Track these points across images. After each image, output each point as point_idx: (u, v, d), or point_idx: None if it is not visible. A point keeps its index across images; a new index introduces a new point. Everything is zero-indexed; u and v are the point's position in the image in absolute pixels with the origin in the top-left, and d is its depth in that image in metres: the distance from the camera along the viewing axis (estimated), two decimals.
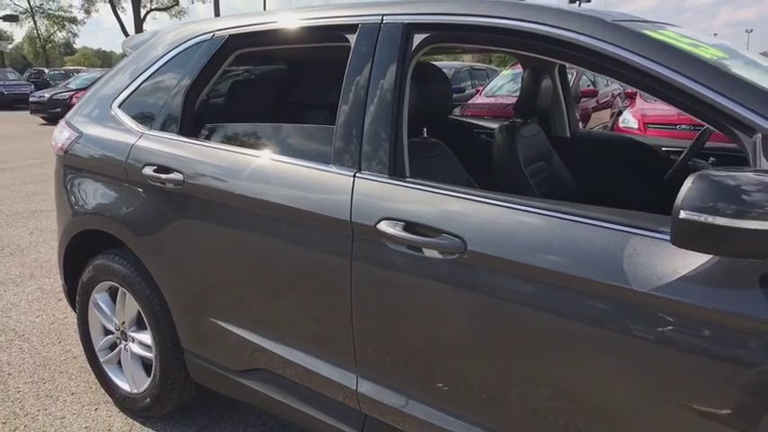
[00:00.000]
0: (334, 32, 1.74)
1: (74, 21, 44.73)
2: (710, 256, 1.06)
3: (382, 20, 1.63)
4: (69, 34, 47.22)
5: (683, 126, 6.80)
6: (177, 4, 42.53)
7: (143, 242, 2.07)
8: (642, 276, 1.11)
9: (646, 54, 1.23)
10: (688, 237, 0.96)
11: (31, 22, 42.49)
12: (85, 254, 2.39)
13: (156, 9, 41.94)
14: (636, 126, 7.13)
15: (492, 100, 8.93)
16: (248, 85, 2.65)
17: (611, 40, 1.27)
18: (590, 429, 1.23)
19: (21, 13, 40.58)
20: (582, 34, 1.31)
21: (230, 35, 2.02)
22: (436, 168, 1.93)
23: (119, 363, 2.41)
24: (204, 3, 43.38)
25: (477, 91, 10.52)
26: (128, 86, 2.28)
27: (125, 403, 2.36)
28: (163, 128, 2.09)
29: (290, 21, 1.89)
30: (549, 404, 1.28)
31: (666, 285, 1.09)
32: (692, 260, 1.08)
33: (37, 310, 3.40)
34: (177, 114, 2.05)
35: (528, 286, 1.26)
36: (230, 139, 2.01)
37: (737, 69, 1.26)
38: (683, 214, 0.95)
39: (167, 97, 2.11)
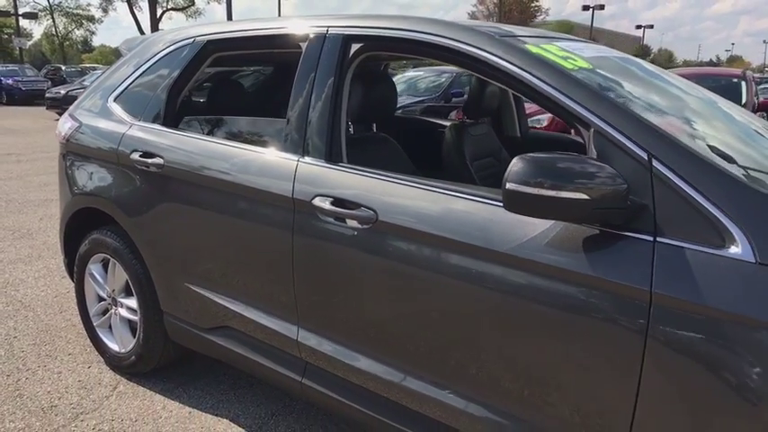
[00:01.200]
0: (291, 40, 2.05)
1: (91, 19, 45.66)
2: (552, 222, 1.35)
3: (327, 31, 1.94)
4: (87, 32, 48.11)
5: None
6: (193, 4, 43.15)
7: (130, 218, 2.40)
8: (504, 240, 1.41)
9: (520, 64, 1.52)
10: (513, 203, 1.26)
11: (50, 20, 43.41)
12: (83, 230, 2.72)
13: (173, 9, 42.59)
14: None
15: None
16: (223, 83, 2.97)
17: (497, 53, 1.57)
18: (464, 355, 1.53)
19: (40, 10, 41.50)
20: (475, 47, 1.61)
21: (208, 40, 2.34)
22: (383, 160, 2.23)
23: (110, 327, 2.74)
24: (220, 3, 43.94)
25: None
26: (122, 83, 2.61)
27: (114, 362, 2.69)
28: (149, 119, 2.41)
29: (258, 29, 2.21)
30: (439, 340, 1.58)
31: (519, 246, 1.38)
32: (537, 226, 1.37)
33: (42, 285, 3.75)
34: (161, 108, 2.38)
35: (424, 249, 1.56)
36: (203, 130, 2.34)
37: (598, 78, 1.56)
38: (508, 186, 1.25)
39: (154, 93, 2.43)
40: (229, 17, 20.33)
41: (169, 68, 2.42)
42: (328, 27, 1.94)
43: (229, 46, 2.32)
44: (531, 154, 1.25)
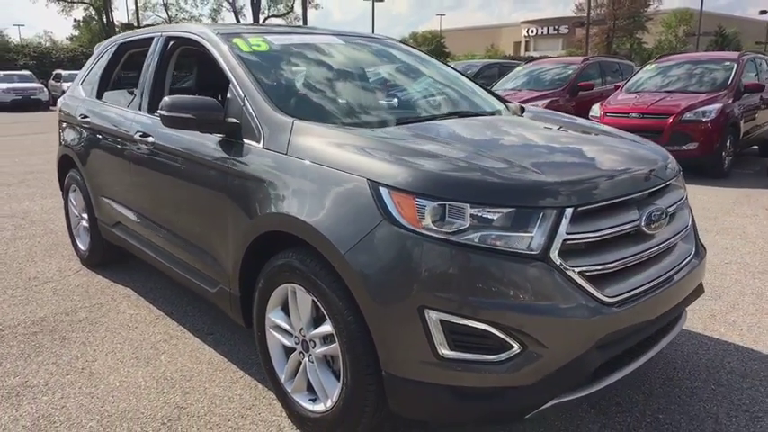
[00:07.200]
0: (148, 41, 3.30)
1: None
2: (210, 136, 2.46)
3: (161, 35, 3.16)
4: None
5: (633, 114, 7.53)
6: (292, 10, 46.23)
7: (80, 160, 3.77)
8: (177, 142, 2.58)
9: (217, 50, 2.64)
10: (164, 121, 2.37)
11: None
12: (67, 171, 4.16)
13: (273, 16, 45.94)
14: (599, 114, 7.92)
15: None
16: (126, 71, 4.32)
17: (213, 43, 2.69)
18: (188, 224, 2.68)
19: (158, 23, 46.70)
20: (206, 41, 2.73)
21: (121, 42, 3.67)
22: None
23: (80, 234, 4.16)
24: (316, 9, 46.67)
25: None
26: (85, 72, 4.02)
27: (81, 256, 4.11)
28: (91, 95, 3.78)
29: (140, 35, 3.49)
30: (175, 208, 2.75)
31: (199, 149, 2.51)
32: (196, 135, 2.49)
33: None
34: (96, 87, 3.74)
35: (171, 157, 2.73)
36: (110, 99, 3.66)
37: (260, 57, 2.63)
38: (159, 112, 2.37)
39: (95, 78, 3.80)
40: (305, 22, 22.23)
41: (102, 61, 3.79)
42: (162, 31, 3.17)
43: (132, 45, 3.64)
44: (175, 96, 2.37)
